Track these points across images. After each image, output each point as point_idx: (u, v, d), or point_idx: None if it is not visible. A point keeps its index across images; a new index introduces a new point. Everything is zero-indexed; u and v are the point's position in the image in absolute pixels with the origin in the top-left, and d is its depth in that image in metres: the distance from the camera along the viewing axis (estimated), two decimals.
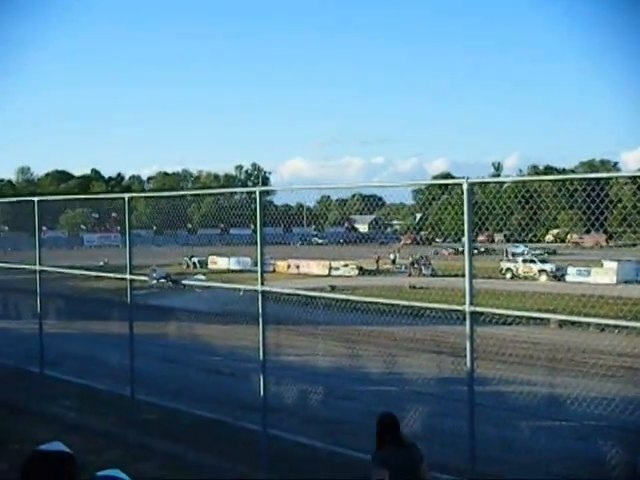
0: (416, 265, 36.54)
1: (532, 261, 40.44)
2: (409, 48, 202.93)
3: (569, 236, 41.59)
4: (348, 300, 10.55)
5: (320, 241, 45.17)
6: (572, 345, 17.60)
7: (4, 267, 17.68)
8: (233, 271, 35.13)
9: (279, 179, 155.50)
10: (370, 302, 10.37)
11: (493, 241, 38.45)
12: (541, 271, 40.22)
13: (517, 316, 9.01)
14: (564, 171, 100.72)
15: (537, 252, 41.52)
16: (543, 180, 16.53)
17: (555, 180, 10.11)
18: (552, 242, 43.05)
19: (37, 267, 13.83)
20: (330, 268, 42.81)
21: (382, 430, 6.79)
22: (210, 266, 40.80)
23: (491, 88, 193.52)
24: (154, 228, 30.10)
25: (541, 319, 13.23)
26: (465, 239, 7.87)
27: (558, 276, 38.92)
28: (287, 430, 11.24)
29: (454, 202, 11.73)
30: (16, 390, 14.21)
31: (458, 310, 8.10)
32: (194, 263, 39.98)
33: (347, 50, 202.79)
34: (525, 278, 38.33)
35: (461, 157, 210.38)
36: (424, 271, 36.30)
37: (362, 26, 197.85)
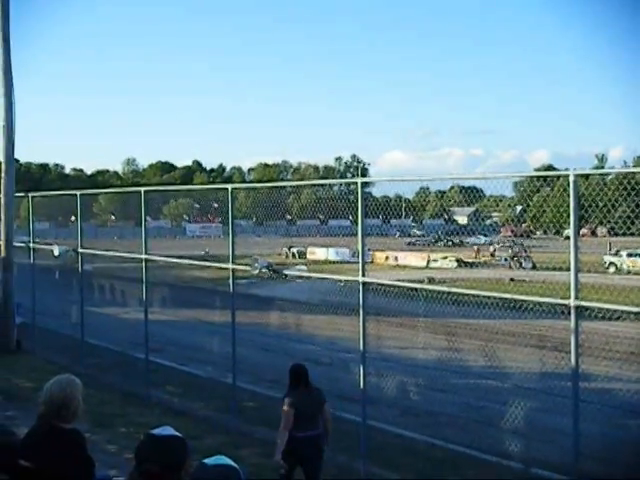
0: (516, 258, 35.94)
1: (638, 255, 39.22)
2: (510, 37, 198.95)
3: None
4: (448, 292, 10.46)
5: (419, 233, 44.90)
6: None
7: (112, 255, 18.21)
8: (331, 262, 35.23)
9: (378, 171, 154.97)
10: (470, 294, 10.27)
11: (595, 234, 37.49)
12: None
13: (624, 311, 8.76)
14: None
15: None
16: None
17: None
18: None
19: (143, 256, 14.15)
20: (428, 260, 42.49)
21: (293, 378, 8.46)
22: (309, 257, 40.98)
23: (595, 79, 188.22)
24: (254, 219, 30.46)
25: None
26: (571, 232, 7.71)
27: None
28: (386, 422, 11.24)
29: (558, 194, 11.49)
30: (123, 375, 14.65)
31: (563, 304, 7.95)
32: (293, 253, 40.27)
33: (447, 40, 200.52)
34: (629, 272, 37.21)
35: (563, 149, 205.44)
36: (524, 264, 35.66)
37: (464, 14, 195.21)
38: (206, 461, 3.34)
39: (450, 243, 44.42)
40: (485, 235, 35.63)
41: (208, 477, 3.28)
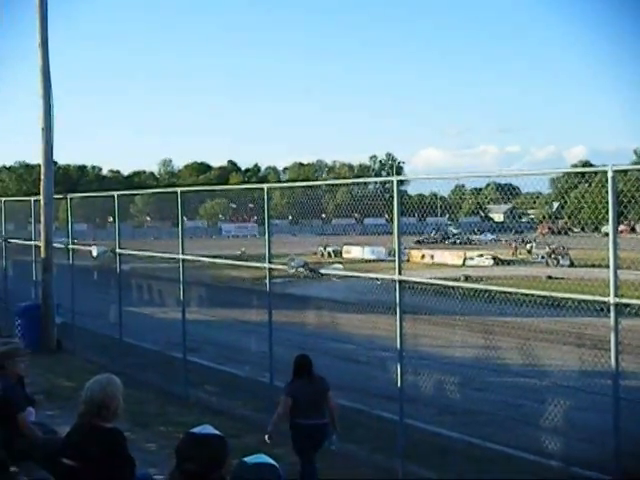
0: (553, 255, 35.65)
1: None
2: (547, 33, 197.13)
3: None
4: (485, 290, 10.40)
5: (455, 231, 44.68)
6: None
7: (149, 256, 18.35)
8: (367, 260, 35.19)
9: (413, 169, 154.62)
10: (507, 292, 10.20)
11: (634, 230, 37.03)
12: None
13: None
14: None
15: None
16: None
17: None
18: None
19: (180, 256, 14.24)
20: (464, 258, 42.29)
21: (297, 368, 8.84)
22: (344, 255, 41.00)
23: (632, 73, 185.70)
24: (289, 218, 30.54)
25: None
26: (610, 228, 7.63)
27: None
28: (423, 420, 11.21)
29: (596, 191, 11.38)
30: (161, 375, 14.76)
31: (602, 302, 7.87)
32: (329, 252, 40.31)
33: (483, 37, 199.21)
34: None
35: (601, 144, 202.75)
36: (561, 261, 35.35)
37: (499, 10, 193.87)
38: (246, 459, 3.37)
39: (457, 241, 44.05)
40: (518, 232, 35.28)
41: (248, 475, 3.31)
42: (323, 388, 8.85)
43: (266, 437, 8.73)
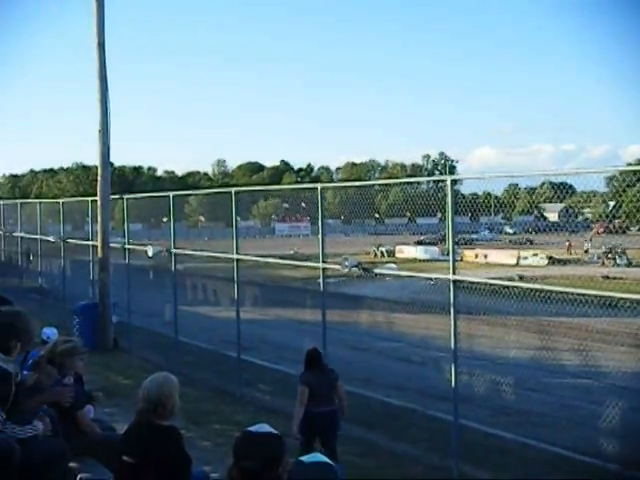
0: (610, 255, 35.06)
1: None
2: (605, 30, 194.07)
3: None
4: (540, 290, 10.29)
5: (511, 230, 44.20)
6: None
7: (204, 255, 18.52)
8: (420, 260, 35.02)
9: (466, 168, 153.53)
10: (563, 292, 10.07)
11: None
12: None
13: None
14: None
15: None
16: None
17: None
18: None
19: (235, 256, 14.34)
20: (519, 257, 41.82)
21: (308, 360, 9.49)
22: (397, 255, 40.82)
23: None
24: (342, 217, 30.52)
25: None
26: None
27: None
28: (477, 420, 11.15)
29: None
30: (216, 373, 14.89)
31: None
32: (382, 252, 40.17)
33: (536, 36, 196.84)
34: None
35: None
36: (618, 261, 34.76)
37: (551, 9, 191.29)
38: (303, 459, 3.38)
39: (470, 240, 43.39)
40: (573, 232, 34.75)
41: (307, 474, 3.32)
42: (333, 378, 9.49)
43: (294, 430, 9.05)
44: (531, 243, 37.84)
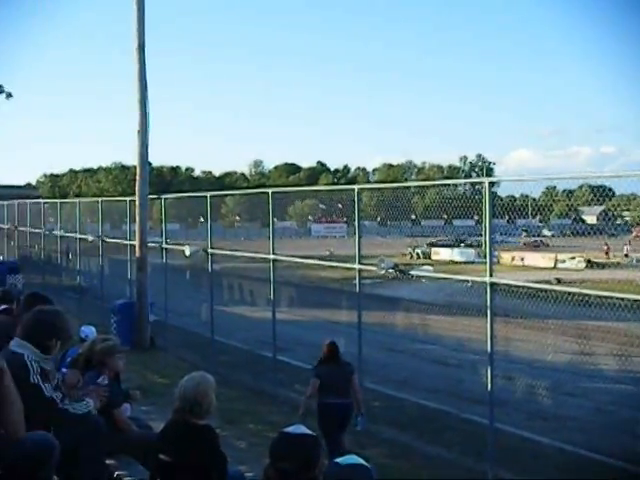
0: None
1: None
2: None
3: None
4: (578, 293, 10.18)
5: (549, 233, 43.87)
6: None
7: (241, 256, 18.59)
8: (456, 262, 34.88)
9: (504, 170, 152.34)
10: (601, 296, 9.96)
11: None
12: None
13: None
14: None
15: None
16: None
17: None
18: None
19: (271, 256, 14.37)
20: (556, 260, 41.48)
21: (326, 352, 9.74)
22: (433, 257, 40.74)
23: None
24: (378, 219, 30.47)
25: None
26: None
27: None
28: (513, 424, 11.08)
29: None
30: (251, 373, 14.93)
31: None
32: (417, 254, 40.10)
33: (578, 35, 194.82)
34: None
35: None
36: None
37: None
38: (339, 460, 3.39)
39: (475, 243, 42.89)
40: (612, 235, 34.35)
41: (342, 476, 3.33)
42: (349, 372, 9.79)
43: (300, 413, 9.64)
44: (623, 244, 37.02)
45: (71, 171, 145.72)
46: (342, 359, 9.95)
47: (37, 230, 29.89)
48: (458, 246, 42.46)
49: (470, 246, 39.03)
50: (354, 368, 10.01)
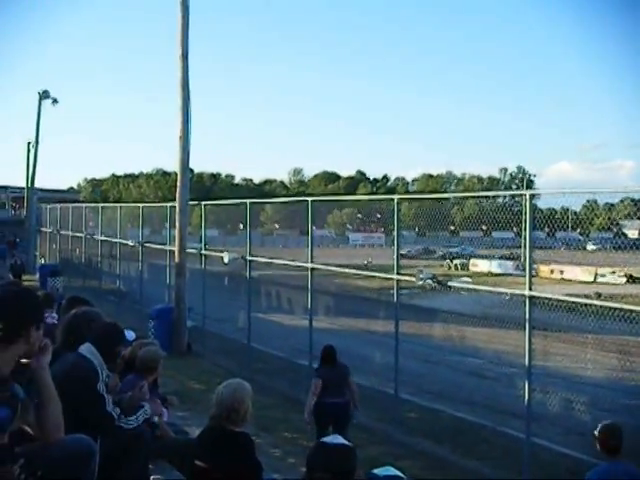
0: None
1: None
2: None
3: None
4: (620, 309, 10.04)
5: (594, 247, 43.25)
6: None
7: (279, 263, 18.64)
8: (494, 274, 34.61)
9: (544, 182, 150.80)
10: None
11: None
12: None
13: None
14: None
15: None
16: None
17: None
18: None
19: (309, 265, 14.39)
20: (596, 275, 40.99)
21: (324, 356, 10.53)
22: (471, 268, 40.44)
23: None
24: (416, 229, 30.38)
25: None
26: None
27: None
28: (549, 439, 10.96)
29: None
30: (287, 381, 14.94)
31: None
32: (455, 265, 39.85)
33: (625, 48, 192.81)
34: None
35: None
36: None
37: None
38: (376, 472, 3.40)
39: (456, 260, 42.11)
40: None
41: None
42: (345, 373, 10.51)
43: (306, 417, 10.30)
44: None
45: (113, 176, 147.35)
46: (339, 361, 10.62)
47: (78, 234, 30.25)
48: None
49: (510, 258, 38.69)
50: (349, 369, 10.62)
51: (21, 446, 3.99)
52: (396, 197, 12.48)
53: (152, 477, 6.43)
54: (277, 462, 9.83)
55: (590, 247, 42.69)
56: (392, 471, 3.42)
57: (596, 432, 6.78)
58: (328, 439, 3.50)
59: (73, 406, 4.63)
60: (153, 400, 6.27)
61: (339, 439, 3.50)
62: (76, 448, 4.52)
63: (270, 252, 23.22)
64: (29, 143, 42.26)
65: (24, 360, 4.13)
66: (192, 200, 20.07)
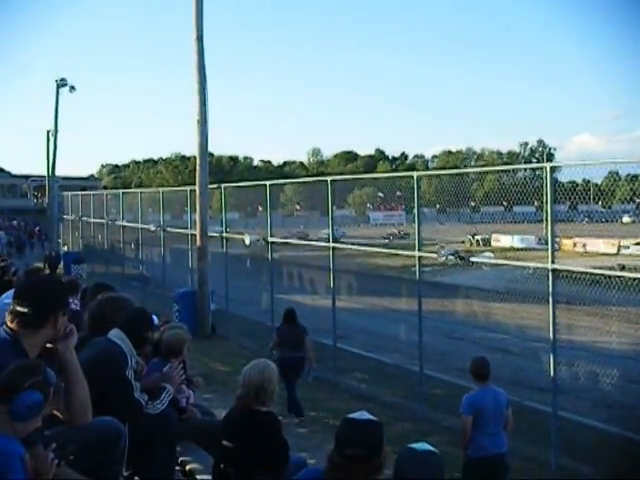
0: None
1: None
2: None
3: None
4: None
5: (629, 219, 42.82)
6: None
7: (300, 244, 18.66)
8: (517, 249, 34.47)
9: (565, 155, 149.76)
10: None
11: None
12: None
13: None
14: None
15: None
16: None
17: None
18: None
19: (331, 244, 14.40)
20: (619, 247, 40.68)
21: (285, 316, 12.42)
22: (493, 244, 40.27)
23: None
24: (437, 206, 30.26)
25: None
26: None
27: None
28: (577, 412, 10.95)
29: None
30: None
31: None
32: (477, 241, 39.70)
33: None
34: None
35: None
36: None
37: None
38: (414, 446, 3.42)
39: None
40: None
41: (419, 460, 3.38)
42: (302, 332, 12.20)
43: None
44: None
45: (133, 162, 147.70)
46: (298, 322, 12.36)
47: (100, 220, 30.39)
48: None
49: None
50: (307, 330, 12.34)
51: (50, 430, 4.03)
52: (415, 174, 12.44)
53: (180, 459, 6.48)
54: (304, 441, 9.87)
55: (626, 219, 42.28)
56: (429, 447, 3.44)
57: (469, 365, 8.35)
58: (356, 415, 3.51)
59: (101, 390, 4.67)
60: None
61: (366, 415, 3.50)
62: (105, 431, 4.56)
63: (291, 233, 23.20)
64: (48, 132, 42.48)
65: (49, 345, 4.19)
66: (211, 183, 20.09)
